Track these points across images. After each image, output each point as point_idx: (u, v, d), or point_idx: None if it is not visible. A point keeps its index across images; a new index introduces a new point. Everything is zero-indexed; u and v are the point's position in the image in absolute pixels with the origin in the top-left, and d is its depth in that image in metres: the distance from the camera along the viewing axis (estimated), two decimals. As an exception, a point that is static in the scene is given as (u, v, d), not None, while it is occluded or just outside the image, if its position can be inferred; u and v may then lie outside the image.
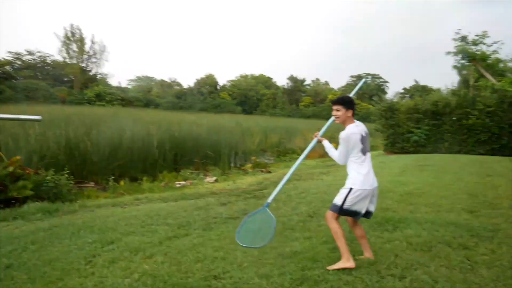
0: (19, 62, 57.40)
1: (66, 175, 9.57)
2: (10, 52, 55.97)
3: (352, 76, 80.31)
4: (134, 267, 4.07)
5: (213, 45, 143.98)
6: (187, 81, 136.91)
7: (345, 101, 4.08)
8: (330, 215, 4.03)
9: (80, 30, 65.44)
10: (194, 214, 6.45)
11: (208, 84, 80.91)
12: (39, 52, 61.03)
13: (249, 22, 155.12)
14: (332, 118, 4.23)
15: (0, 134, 12.44)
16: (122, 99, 60.05)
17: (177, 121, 24.02)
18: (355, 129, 4.01)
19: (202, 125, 22.99)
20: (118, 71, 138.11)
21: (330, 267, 3.94)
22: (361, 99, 67.92)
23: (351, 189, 3.96)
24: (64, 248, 4.70)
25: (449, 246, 4.49)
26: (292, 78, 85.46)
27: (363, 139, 4.01)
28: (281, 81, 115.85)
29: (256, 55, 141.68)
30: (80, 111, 28.44)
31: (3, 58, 54.96)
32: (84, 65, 66.18)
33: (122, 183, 12.04)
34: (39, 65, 60.84)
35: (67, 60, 64.15)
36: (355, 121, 4.11)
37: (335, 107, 4.10)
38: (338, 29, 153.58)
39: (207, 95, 76.29)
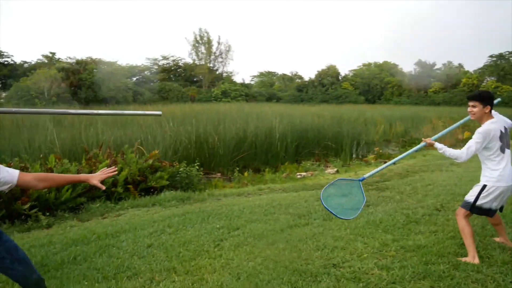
0: (155, 67, 63.59)
1: (197, 167, 10.37)
2: (148, 59, 62.28)
3: (491, 56, 71.93)
4: (258, 252, 4.28)
5: (334, 35, 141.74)
6: (309, 73, 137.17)
7: (483, 97, 3.82)
8: (461, 212, 3.90)
9: (207, 33, 70.04)
10: (315, 205, 6.49)
11: (329, 75, 80.00)
12: (172, 56, 66.85)
13: (369, 7, 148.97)
14: (466, 118, 4.07)
15: (142, 131, 13.96)
16: (246, 94, 62.69)
17: (298, 114, 24.32)
18: (494, 125, 3.77)
19: (324, 117, 22.92)
20: (242, 68, 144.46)
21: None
22: (502, 80, 60.68)
23: (484, 186, 3.74)
24: (196, 232, 5.14)
25: None
26: (420, 63, 79.94)
27: (502, 136, 3.72)
28: (408, 67, 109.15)
29: (379, 42, 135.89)
30: (208, 108, 30.43)
31: (143, 64, 61.52)
32: (211, 65, 70.63)
33: (246, 174, 12.62)
34: (172, 68, 66.58)
35: (196, 62, 69.20)
36: (494, 116, 3.86)
37: (471, 103, 3.88)
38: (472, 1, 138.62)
39: (328, 86, 75.54)
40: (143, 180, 9.38)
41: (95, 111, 4.59)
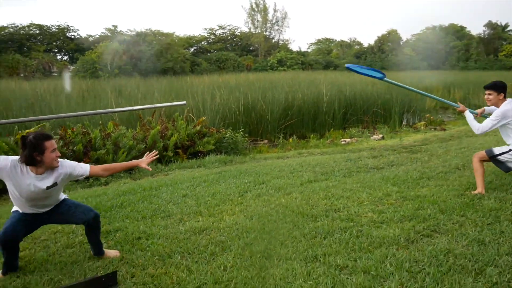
0: (212, 37, 64.50)
1: (241, 133, 11.04)
2: (205, 29, 63.21)
3: None
4: (273, 200, 4.92)
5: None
6: (368, 39, 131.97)
7: (497, 86, 4.57)
8: (480, 155, 4.69)
9: (263, 0, 69.40)
10: (342, 164, 6.95)
11: (390, 41, 76.98)
12: (228, 25, 67.37)
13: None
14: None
15: (194, 99, 14.82)
16: (302, 63, 62.12)
17: (351, 81, 24.16)
18: (510, 106, 4.44)
19: (377, 84, 22.62)
20: (299, 36, 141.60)
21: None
22: None
23: (510, 150, 4.48)
24: (226, 185, 5.83)
25: None
26: (490, 25, 74.45)
27: None
28: (476, 29, 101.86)
29: (445, 3, 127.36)
30: (262, 77, 30.86)
31: (200, 35, 62.64)
32: (267, 33, 70.38)
33: (290, 140, 13.14)
34: (229, 37, 67.12)
35: (252, 30, 69.17)
36: (507, 99, 4.55)
37: (487, 91, 4.64)
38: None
39: (388, 52, 72.88)
40: (191, 145, 10.23)
41: (119, 109, 5.46)
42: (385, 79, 5.19)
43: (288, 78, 27.54)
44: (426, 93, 6.06)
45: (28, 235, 3.62)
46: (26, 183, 3.17)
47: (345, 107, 16.62)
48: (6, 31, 46.82)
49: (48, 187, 3.23)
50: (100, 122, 10.04)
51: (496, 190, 4.66)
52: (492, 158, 4.62)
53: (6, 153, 7.00)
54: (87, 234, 3.54)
